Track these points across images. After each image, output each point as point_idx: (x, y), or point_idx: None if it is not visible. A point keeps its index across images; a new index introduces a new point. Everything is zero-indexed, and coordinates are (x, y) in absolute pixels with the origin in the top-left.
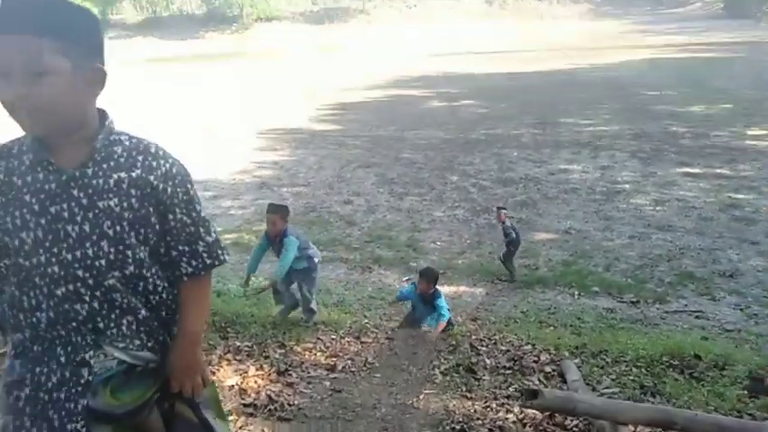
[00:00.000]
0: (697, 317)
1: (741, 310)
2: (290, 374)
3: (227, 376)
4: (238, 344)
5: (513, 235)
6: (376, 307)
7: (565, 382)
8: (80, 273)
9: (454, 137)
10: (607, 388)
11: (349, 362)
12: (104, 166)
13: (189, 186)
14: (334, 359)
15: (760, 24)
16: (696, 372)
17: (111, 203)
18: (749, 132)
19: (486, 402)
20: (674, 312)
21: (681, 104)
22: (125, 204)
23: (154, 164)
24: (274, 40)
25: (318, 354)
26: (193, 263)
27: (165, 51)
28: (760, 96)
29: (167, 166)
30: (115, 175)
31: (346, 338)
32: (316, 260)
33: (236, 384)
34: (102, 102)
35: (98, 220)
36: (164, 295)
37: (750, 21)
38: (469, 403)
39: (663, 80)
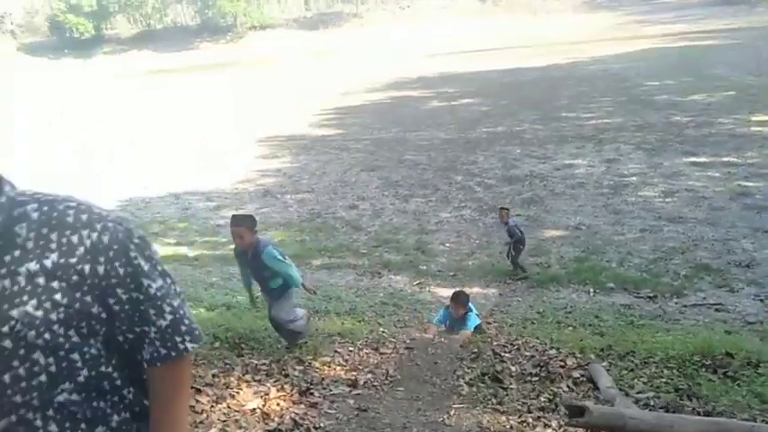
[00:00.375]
0: (717, 310)
1: (761, 301)
2: (313, 393)
3: (247, 399)
4: (255, 362)
5: (519, 234)
6: (389, 314)
7: (595, 387)
8: (18, 399)
9: (456, 136)
10: (641, 392)
11: (370, 376)
12: (6, 259)
13: (131, 255)
14: (355, 373)
15: (755, 10)
16: (730, 371)
17: (29, 308)
18: (754, 119)
19: (520, 416)
20: (693, 306)
21: (682, 94)
22: (48, 305)
23: (74, 240)
24: (269, 47)
25: (338, 368)
26: (150, 349)
27: (161, 63)
28: (762, 82)
29: (94, 237)
30: (23, 269)
31: (364, 350)
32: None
33: (258, 408)
34: (98, 118)
35: (18, 333)
36: (138, 387)
37: (745, 6)
38: (503, 418)
39: (663, 70)
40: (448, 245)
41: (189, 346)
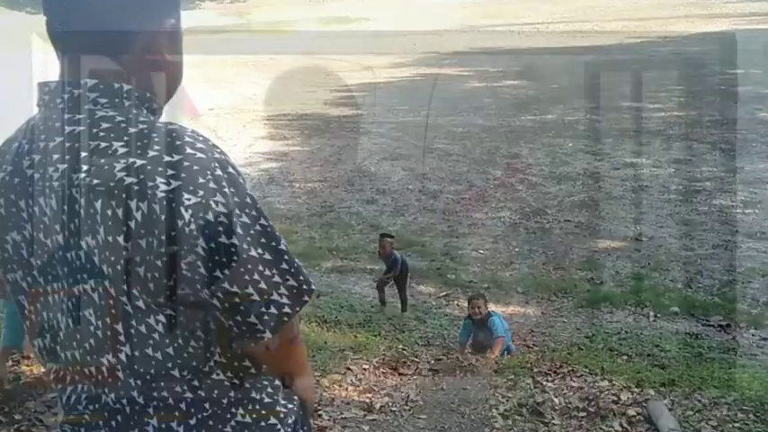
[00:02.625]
0: None
1: None
2: (321, 416)
3: None
4: None
5: (400, 265)
6: (410, 329)
7: (654, 428)
8: None
9: (496, 124)
10: None
11: (387, 399)
12: None
13: None
14: (369, 395)
15: None
16: None
17: None
18: None
19: None
20: None
21: None
22: None
23: None
24: (280, 11)
25: (350, 388)
26: None
27: None
28: None
29: None
30: None
31: (381, 369)
32: None
33: None
34: None
35: None
36: None
37: None
38: None
39: (747, 56)
40: (482, 251)
41: None
